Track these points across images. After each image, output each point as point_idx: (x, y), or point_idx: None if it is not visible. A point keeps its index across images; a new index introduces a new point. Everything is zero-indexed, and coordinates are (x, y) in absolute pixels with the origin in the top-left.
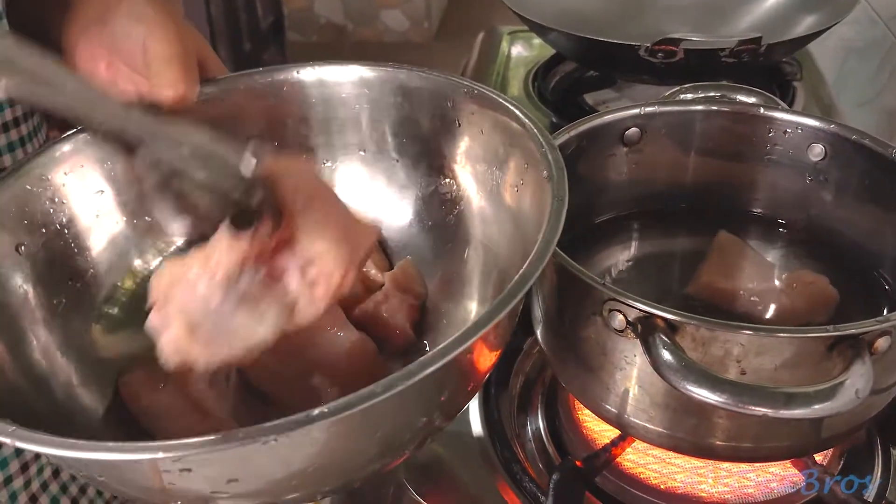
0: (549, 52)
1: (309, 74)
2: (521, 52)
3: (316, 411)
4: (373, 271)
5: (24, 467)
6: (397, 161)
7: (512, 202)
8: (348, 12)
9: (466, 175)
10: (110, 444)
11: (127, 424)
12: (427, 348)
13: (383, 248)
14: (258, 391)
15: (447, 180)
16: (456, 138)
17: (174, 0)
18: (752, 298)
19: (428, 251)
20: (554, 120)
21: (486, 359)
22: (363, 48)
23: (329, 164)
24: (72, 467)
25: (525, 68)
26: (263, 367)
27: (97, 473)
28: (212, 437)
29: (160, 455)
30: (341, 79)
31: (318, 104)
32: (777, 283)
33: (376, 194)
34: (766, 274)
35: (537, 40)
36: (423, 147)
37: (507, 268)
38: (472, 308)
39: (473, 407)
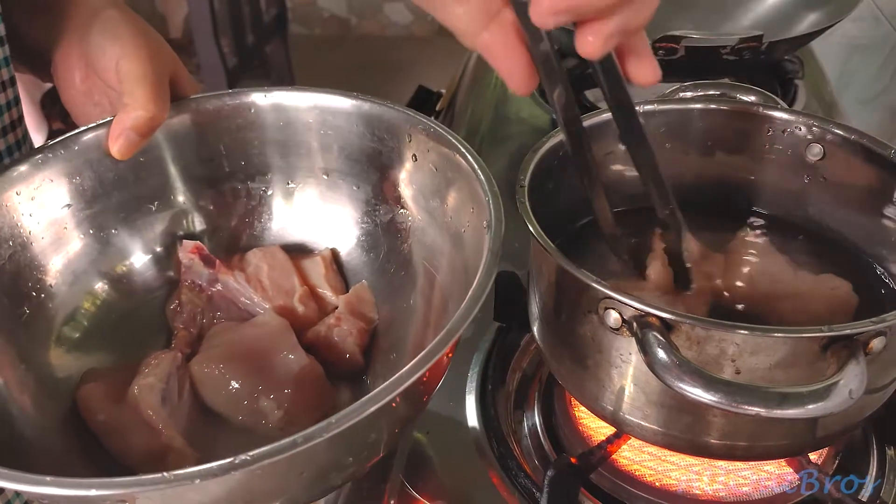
0: None
1: (276, 98)
2: None
3: (238, 458)
4: (328, 293)
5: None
6: (357, 188)
7: (460, 239)
8: (352, 5)
9: (420, 208)
10: (43, 477)
11: (82, 437)
12: (367, 380)
13: (340, 272)
14: (209, 409)
15: (402, 210)
16: (412, 172)
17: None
18: (770, 301)
19: (381, 277)
20: (554, 116)
21: (410, 405)
22: (366, 42)
23: (291, 185)
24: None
25: None
26: (215, 387)
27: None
28: (141, 478)
29: (93, 493)
30: (306, 104)
31: (284, 127)
32: (797, 285)
33: (335, 218)
34: (786, 277)
35: None
36: (381, 176)
37: (452, 299)
38: (417, 336)
39: (470, 403)
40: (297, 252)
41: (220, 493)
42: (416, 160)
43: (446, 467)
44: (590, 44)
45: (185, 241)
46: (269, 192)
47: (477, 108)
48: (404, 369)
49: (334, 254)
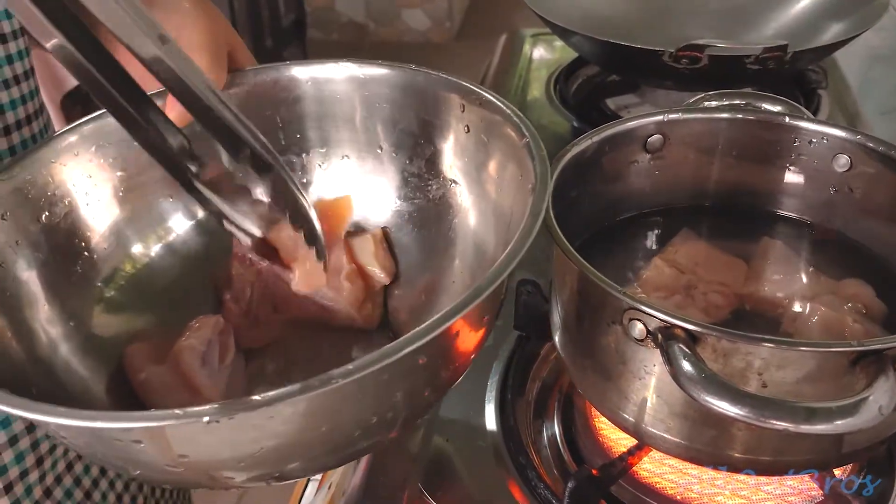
0: (572, 55)
1: (331, 71)
2: (544, 54)
3: (256, 397)
4: (377, 271)
5: (40, 461)
6: (409, 162)
7: (508, 213)
8: (370, 11)
9: (471, 180)
10: (66, 409)
11: (124, 396)
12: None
13: (391, 249)
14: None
15: (454, 185)
16: (463, 143)
17: None
18: (795, 307)
19: (430, 254)
20: (575, 124)
21: (439, 365)
22: (384, 48)
23: (345, 159)
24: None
25: (547, 71)
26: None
27: (73, 437)
28: (160, 412)
29: (106, 424)
30: (362, 76)
31: (341, 101)
32: (821, 292)
33: (387, 194)
34: (810, 283)
35: (560, 43)
36: (434, 150)
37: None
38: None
39: (489, 412)
40: (349, 228)
41: (236, 437)
42: (468, 131)
43: (465, 476)
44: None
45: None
46: (324, 166)
47: None
48: (431, 319)
49: (385, 233)
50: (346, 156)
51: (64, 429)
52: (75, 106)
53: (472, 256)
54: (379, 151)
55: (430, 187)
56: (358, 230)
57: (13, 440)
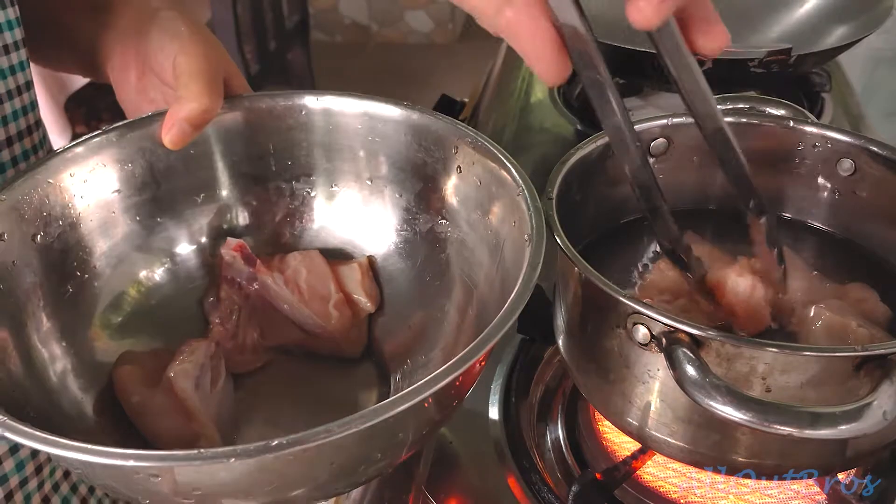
0: None
1: (327, 103)
2: None
3: (274, 441)
4: (363, 299)
5: (39, 469)
6: (399, 196)
7: (499, 252)
8: (373, 13)
9: (461, 219)
10: (92, 447)
11: (116, 416)
12: (398, 380)
13: (376, 278)
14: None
15: (443, 220)
16: (455, 183)
17: (201, 12)
18: (799, 311)
19: (417, 284)
20: (579, 127)
21: (440, 408)
22: (387, 49)
23: (334, 188)
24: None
25: None
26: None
27: (76, 468)
28: (176, 453)
29: (131, 463)
30: (356, 111)
31: (333, 132)
32: (825, 296)
33: (375, 224)
34: (814, 287)
35: None
36: (424, 185)
37: (487, 310)
38: (449, 343)
39: (493, 414)
40: (336, 256)
41: (252, 474)
42: (460, 171)
43: (469, 478)
44: (641, 10)
45: (229, 238)
46: (313, 194)
47: (500, 117)
48: (439, 370)
49: (371, 261)
50: (334, 185)
51: (87, 465)
52: (78, 108)
53: (459, 290)
54: (369, 183)
55: (418, 221)
56: (344, 258)
57: (14, 449)
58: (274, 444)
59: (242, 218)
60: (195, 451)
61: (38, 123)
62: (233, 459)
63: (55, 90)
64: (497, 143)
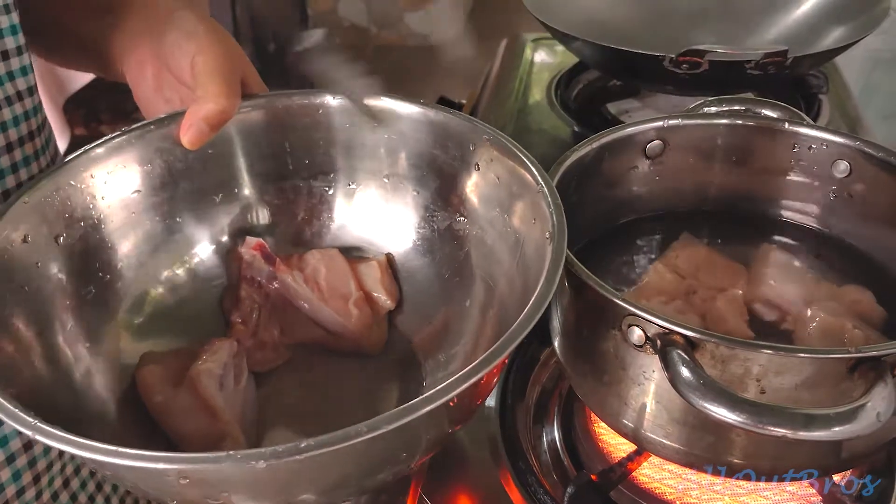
0: (573, 60)
1: (344, 101)
2: (545, 59)
3: (303, 443)
4: (382, 297)
5: (37, 479)
6: (417, 193)
7: (519, 250)
8: (372, 15)
9: (479, 217)
10: (126, 450)
11: (139, 416)
12: (423, 381)
13: (395, 276)
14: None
15: (461, 218)
16: (474, 181)
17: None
18: (794, 313)
19: (436, 281)
20: (576, 129)
21: (462, 408)
22: (386, 51)
23: (352, 185)
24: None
25: (548, 76)
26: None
27: (107, 470)
28: (209, 455)
29: (161, 466)
30: (374, 109)
31: (350, 130)
32: (821, 298)
33: (394, 221)
34: (810, 289)
35: (561, 48)
36: (442, 183)
37: (507, 308)
38: (470, 341)
39: (489, 416)
40: (355, 254)
41: (280, 475)
42: (478, 169)
43: (465, 481)
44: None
45: (248, 237)
46: (331, 192)
47: (498, 118)
48: (463, 371)
49: (389, 259)
50: (353, 183)
51: (116, 467)
52: (77, 109)
53: (479, 288)
54: (387, 181)
55: (436, 218)
56: (364, 256)
57: (10, 458)
58: (303, 445)
59: (261, 217)
60: (225, 454)
61: (41, 128)
62: (262, 462)
63: (54, 91)
64: None
